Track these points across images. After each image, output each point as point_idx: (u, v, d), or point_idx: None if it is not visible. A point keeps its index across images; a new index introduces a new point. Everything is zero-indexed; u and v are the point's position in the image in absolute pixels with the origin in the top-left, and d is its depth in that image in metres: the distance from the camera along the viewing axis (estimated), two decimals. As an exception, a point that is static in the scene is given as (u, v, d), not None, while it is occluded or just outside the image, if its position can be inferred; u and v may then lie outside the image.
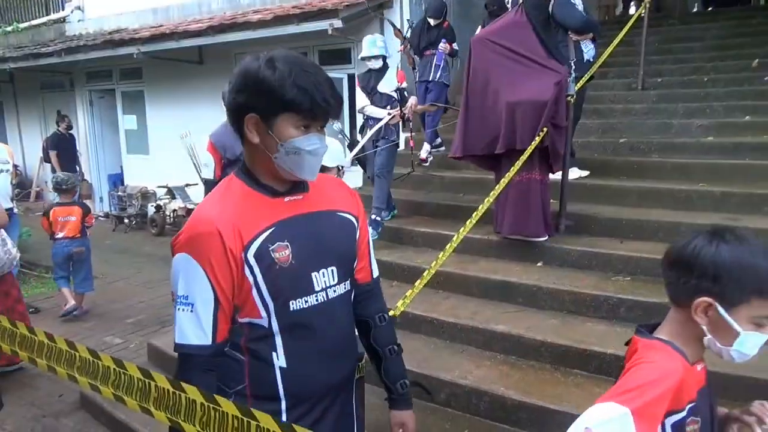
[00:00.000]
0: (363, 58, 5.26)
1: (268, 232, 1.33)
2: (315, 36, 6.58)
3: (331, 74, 5.30)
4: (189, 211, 7.55)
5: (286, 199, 1.39)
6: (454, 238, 3.20)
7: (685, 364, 1.20)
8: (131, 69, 9.28)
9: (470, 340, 3.58)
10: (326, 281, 1.41)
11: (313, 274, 1.39)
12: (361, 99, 5.29)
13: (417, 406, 3.25)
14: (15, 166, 5.42)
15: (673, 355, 1.20)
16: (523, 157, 3.83)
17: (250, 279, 1.31)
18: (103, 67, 9.54)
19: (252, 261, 1.30)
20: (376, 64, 5.18)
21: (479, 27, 5.72)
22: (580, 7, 4.68)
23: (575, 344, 3.22)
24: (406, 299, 2.94)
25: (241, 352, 1.38)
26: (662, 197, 4.43)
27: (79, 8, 10.15)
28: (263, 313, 1.34)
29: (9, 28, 11.09)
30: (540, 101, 3.94)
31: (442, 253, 3.08)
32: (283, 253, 1.33)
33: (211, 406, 1.08)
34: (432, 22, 6.27)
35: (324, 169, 2.18)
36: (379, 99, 5.19)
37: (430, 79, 6.22)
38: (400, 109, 5.09)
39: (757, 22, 7.78)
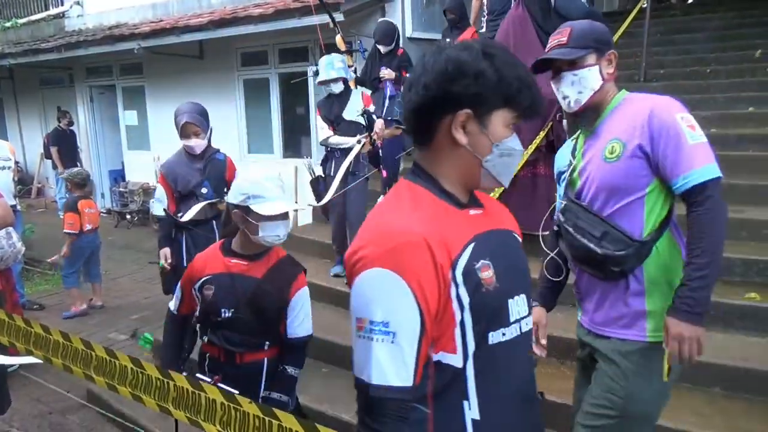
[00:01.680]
0: (321, 83, 4.55)
1: (471, 247, 1.12)
2: (316, 30, 6.55)
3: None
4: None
5: (471, 212, 1.20)
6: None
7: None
8: (131, 64, 9.25)
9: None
10: (519, 311, 1.19)
11: (509, 301, 1.17)
12: (323, 130, 4.61)
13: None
14: (16, 163, 5.41)
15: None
16: (528, 152, 3.83)
17: (456, 302, 1.08)
18: (103, 62, 9.51)
19: (460, 280, 1.08)
20: (337, 88, 4.47)
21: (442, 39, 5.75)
22: (583, -1, 4.68)
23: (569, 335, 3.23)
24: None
25: (424, 403, 1.10)
26: (666, 190, 4.42)
27: (78, 3, 10.10)
28: (459, 348, 1.11)
29: (8, 24, 11.05)
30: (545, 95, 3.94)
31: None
32: (487, 273, 1.12)
33: (232, 405, 1.08)
34: (382, 49, 5.61)
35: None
36: (346, 128, 4.51)
37: (382, 115, 5.25)
38: (369, 135, 4.42)
39: (760, 12, 7.74)
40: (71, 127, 9.59)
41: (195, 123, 3.51)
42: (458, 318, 1.08)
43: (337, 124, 4.53)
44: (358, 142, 4.42)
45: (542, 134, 3.92)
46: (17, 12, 11.20)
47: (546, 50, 1.93)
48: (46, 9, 10.63)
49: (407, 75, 5.65)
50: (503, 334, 1.14)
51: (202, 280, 2.19)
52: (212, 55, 8.11)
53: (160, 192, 3.57)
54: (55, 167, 9.58)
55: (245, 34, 6.95)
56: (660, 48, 6.82)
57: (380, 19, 5.75)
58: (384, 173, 5.20)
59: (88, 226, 5.38)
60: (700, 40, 7.09)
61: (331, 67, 4.45)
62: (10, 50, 9.65)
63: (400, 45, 5.69)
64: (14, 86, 11.42)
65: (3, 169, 5.08)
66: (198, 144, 3.57)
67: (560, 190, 2.02)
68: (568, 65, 1.84)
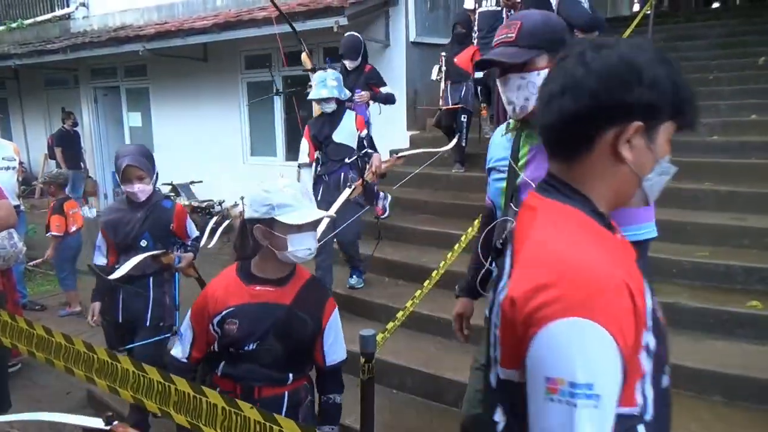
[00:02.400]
0: (313, 101, 4.32)
1: (647, 284, 0.97)
2: (321, 33, 6.58)
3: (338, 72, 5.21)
4: (194, 209, 7.55)
5: (618, 235, 1.06)
6: (463, 238, 3.22)
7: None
8: (136, 66, 9.28)
9: (478, 341, 3.58)
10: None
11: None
12: (303, 154, 4.36)
13: (425, 406, 3.29)
14: (20, 163, 5.44)
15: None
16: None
17: (644, 351, 0.93)
18: (108, 64, 9.54)
19: (650, 323, 0.94)
20: (329, 107, 4.17)
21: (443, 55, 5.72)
22: (586, 4, 4.69)
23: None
24: (416, 299, 2.95)
25: None
26: (668, 196, 4.37)
27: (83, 5, 10.14)
28: (639, 398, 0.94)
29: (14, 25, 11.10)
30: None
31: (450, 252, 3.10)
32: (660, 310, 0.98)
33: (233, 410, 1.09)
34: (348, 64, 5.27)
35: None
36: (334, 150, 4.27)
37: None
38: (362, 178, 4.10)
39: (763, 20, 7.75)
40: (75, 128, 9.62)
41: (138, 166, 3.01)
42: (646, 368, 0.94)
43: (326, 145, 4.28)
44: (349, 186, 4.12)
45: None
46: (23, 13, 11.25)
47: (493, 45, 1.72)
48: (52, 10, 10.68)
49: (381, 90, 5.33)
50: (668, 379, 1.02)
51: (224, 314, 1.90)
52: (216, 57, 8.14)
53: (101, 239, 3.19)
54: (59, 167, 9.61)
55: (249, 37, 6.98)
56: (663, 54, 6.82)
57: (347, 33, 5.41)
58: (379, 210, 5.08)
59: (73, 228, 5.40)
60: (702, 47, 7.11)
61: (323, 85, 4.14)
62: (16, 51, 9.69)
63: (368, 60, 5.42)
64: (19, 87, 11.47)
65: (7, 170, 5.10)
66: (141, 190, 3.04)
67: (494, 190, 1.85)
68: (516, 66, 1.64)
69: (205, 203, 7.86)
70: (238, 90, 8.14)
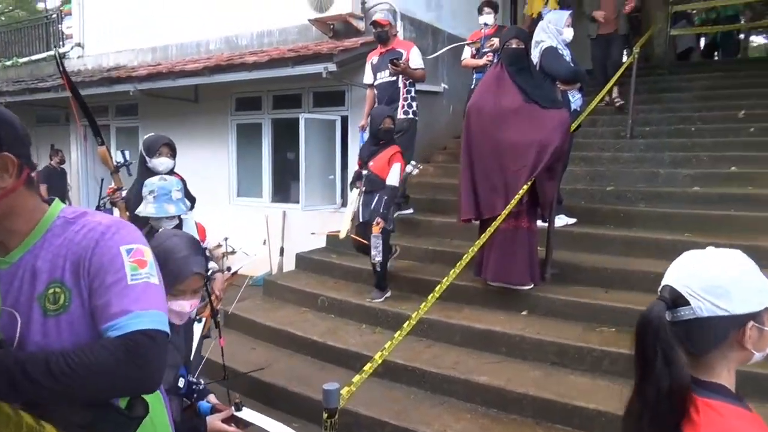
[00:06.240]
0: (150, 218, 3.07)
1: None
2: (310, 78, 6.66)
3: (326, 116, 5.29)
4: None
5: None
6: (437, 287, 3.16)
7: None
8: (127, 105, 9.35)
9: (452, 392, 3.50)
10: None
11: None
12: None
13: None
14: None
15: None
16: (512, 205, 3.83)
17: None
18: (100, 102, 9.61)
19: None
20: (170, 224, 3.01)
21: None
22: (568, 57, 4.79)
23: (558, 398, 3.16)
24: (385, 351, 2.87)
25: None
26: (648, 247, 4.42)
27: (79, 45, 10.28)
28: None
29: (8, 63, 11.23)
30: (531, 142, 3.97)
31: (424, 303, 3.05)
32: None
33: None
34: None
35: None
36: None
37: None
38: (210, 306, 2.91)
39: (744, 74, 7.94)
40: (62, 165, 9.62)
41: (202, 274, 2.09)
42: None
43: None
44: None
45: (525, 188, 3.93)
46: (21, 51, 11.39)
47: None
48: (48, 49, 10.83)
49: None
50: None
51: None
52: (207, 99, 8.22)
53: None
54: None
55: (240, 81, 7.06)
56: (646, 106, 6.95)
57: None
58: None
59: None
60: (686, 100, 7.24)
61: (167, 198, 2.97)
62: (8, 88, 9.77)
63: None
64: (11, 123, 11.51)
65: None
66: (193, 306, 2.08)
67: None
68: None
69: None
70: (228, 131, 8.19)
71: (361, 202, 4.59)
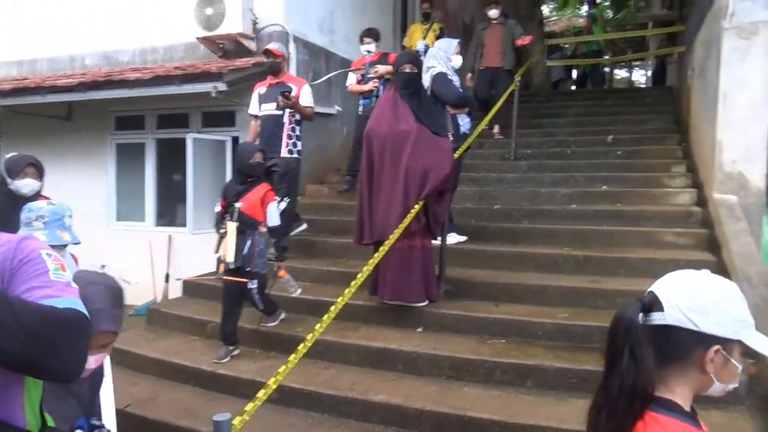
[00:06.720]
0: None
1: None
2: (198, 97, 6.41)
3: (215, 137, 5.07)
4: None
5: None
6: (332, 308, 3.10)
7: None
8: (-13, 123, 8.48)
9: (350, 413, 3.43)
10: None
11: None
12: None
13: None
14: None
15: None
16: (404, 225, 3.87)
17: None
18: (-45, 119, 8.65)
19: None
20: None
21: None
22: (457, 83, 4.98)
23: (453, 411, 3.19)
24: (279, 376, 2.75)
25: None
26: (532, 261, 4.66)
27: (-68, 56, 9.22)
28: None
29: None
30: (423, 169, 4.07)
31: (319, 324, 2.97)
32: None
33: None
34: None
35: None
36: None
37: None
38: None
39: (611, 103, 8.73)
40: None
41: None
42: None
43: None
44: None
45: (417, 207, 4.00)
46: None
47: None
48: None
49: None
50: None
51: None
52: (82, 116, 7.63)
53: None
54: None
55: (120, 98, 6.64)
56: (527, 130, 7.40)
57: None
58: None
59: None
60: (562, 125, 7.80)
61: (60, 225, 2.54)
62: None
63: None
64: None
65: None
66: None
67: None
68: None
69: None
70: (107, 151, 7.65)
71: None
